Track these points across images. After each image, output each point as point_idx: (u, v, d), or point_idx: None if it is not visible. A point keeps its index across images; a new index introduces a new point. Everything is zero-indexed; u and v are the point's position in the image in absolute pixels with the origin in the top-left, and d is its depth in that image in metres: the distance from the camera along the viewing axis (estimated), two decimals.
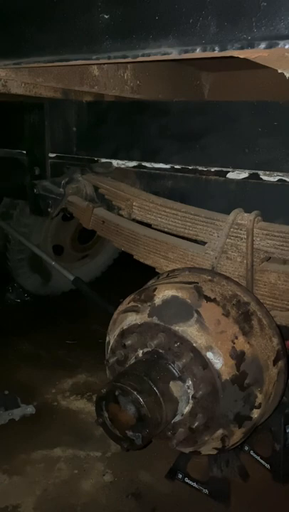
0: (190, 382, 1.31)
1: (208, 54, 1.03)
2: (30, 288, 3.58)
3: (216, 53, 1.02)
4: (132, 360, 1.42)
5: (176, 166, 1.90)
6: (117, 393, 1.27)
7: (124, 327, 1.45)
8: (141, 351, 1.41)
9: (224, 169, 1.75)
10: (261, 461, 1.88)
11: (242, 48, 0.98)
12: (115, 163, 2.12)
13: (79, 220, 2.21)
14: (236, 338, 1.35)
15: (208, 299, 1.40)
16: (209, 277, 1.54)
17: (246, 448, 1.90)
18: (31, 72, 1.69)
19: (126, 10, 1.14)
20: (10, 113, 2.47)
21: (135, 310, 1.45)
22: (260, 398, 1.36)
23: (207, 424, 1.32)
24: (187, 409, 1.33)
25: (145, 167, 2.00)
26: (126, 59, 1.18)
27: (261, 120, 1.62)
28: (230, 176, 1.74)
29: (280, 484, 1.84)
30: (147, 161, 1.99)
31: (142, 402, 1.21)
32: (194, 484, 1.79)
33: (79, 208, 2.16)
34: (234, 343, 1.33)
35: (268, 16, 0.92)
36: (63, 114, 2.25)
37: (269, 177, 1.64)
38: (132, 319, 1.44)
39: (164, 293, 1.44)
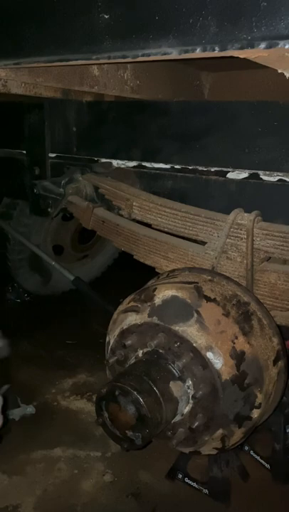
0: (190, 382, 1.31)
1: (208, 54, 1.03)
2: (30, 288, 3.58)
3: (216, 53, 1.02)
4: (132, 360, 1.42)
5: (176, 166, 1.90)
6: (117, 393, 1.27)
7: (124, 327, 1.45)
8: (141, 351, 1.41)
9: (224, 169, 1.75)
10: (261, 461, 1.88)
11: (242, 48, 0.98)
12: (115, 163, 2.12)
13: (79, 220, 2.21)
14: (236, 338, 1.35)
15: (208, 299, 1.40)
16: (209, 277, 1.54)
17: (246, 448, 1.90)
18: (31, 72, 1.70)
19: (126, 10, 1.14)
20: (10, 113, 2.47)
21: (135, 310, 1.45)
22: (260, 398, 1.36)
23: (207, 424, 1.32)
24: (187, 409, 1.33)
25: (145, 167, 2.00)
26: (126, 59, 1.18)
27: (261, 120, 1.63)
28: (230, 175, 1.74)
29: (280, 484, 1.84)
30: (147, 161, 1.99)
31: (142, 402, 1.22)
32: (194, 484, 1.79)
33: (79, 208, 2.16)
34: (234, 343, 1.33)
35: (268, 16, 0.92)
36: (63, 114, 2.25)
37: (269, 177, 1.64)
38: (132, 319, 1.44)
39: (164, 293, 1.44)
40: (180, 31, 1.05)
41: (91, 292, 2.75)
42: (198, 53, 1.04)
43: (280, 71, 1.15)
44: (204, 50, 1.03)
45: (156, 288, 1.48)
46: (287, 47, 0.92)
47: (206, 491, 1.76)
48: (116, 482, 1.98)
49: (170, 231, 1.84)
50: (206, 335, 1.31)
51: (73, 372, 2.75)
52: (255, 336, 1.40)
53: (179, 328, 1.33)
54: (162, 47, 1.09)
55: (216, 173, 1.77)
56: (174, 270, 1.68)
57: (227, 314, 1.38)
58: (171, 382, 1.30)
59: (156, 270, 1.90)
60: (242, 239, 1.61)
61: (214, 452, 1.44)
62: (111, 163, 2.13)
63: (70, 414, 2.41)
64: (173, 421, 1.35)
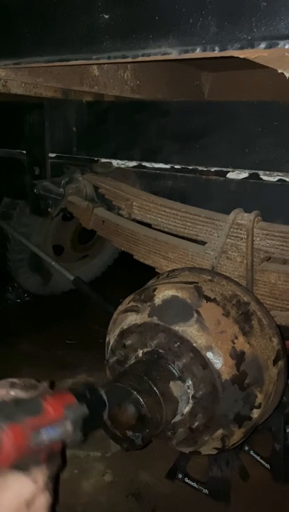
0: (190, 382, 1.31)
1: (208, 54, 1.03)
2: (30, 288, 3.58)
3: (216, 53, 1.02)
4: (132, 360, 1.42)
5: (176, 166, 1.90)
6: None
7: (124, 327, 1.45)
8: (141, 351, 1.41)
9: (224, 169, 1.75)
10: (261, 461, 1.88)
11: (242, 48, 0.98)
12: (115, 163, 2.12)
13: (79, 220, 2.21)
14: (236, 338, 1.35)
15: (208, 299, 1.40)
16: (209, 277, 1.54)
17: (246, 448, 1.90)
18: (31, 72, 1.70)
19: (126, 10, 1.14)
20: (10, 113, 2.47)
21: (135, 310, 1.45)
22: (260, 398, 1.36)
23: (207, 424, 1.32)
24: (187, 409, 1.33)
25: (145, 167, 2.00)
26: (126, 59, 1.18)
27: (261, 120, 1.63)
28: (230, 175, 1.74)
29: (280, 484, 1.84)
30: (147, 161, 1.99)
31: (142, 402, 1.21)
32: (194, 484, 1.79)
33: (79, 208, 2.16)
34: (234, 343, 1.33)
35: (268, 16, 0.92)
36: (63, 114, 2.25)
37: (269, 177, 1.64)
38: (132, 319, 1.44)
39: (164, 293, 1.44)
40: (180, 31, 1.05)
41: (91, 292, 2.75)
42: (198, 53, 1.04)
43: (280, 71, 1.15)
44: (204, 50, 1.03)
45: (156, 288, 1.48)
46: (287, 47, 0.92)
47: (206, 491, 1.76)
48: (116, 482, 1.98)
49: (170, 231, 1.84)
50: (206, 335, 1.31)
51: (73, 372, 2.75)
52: (255, 335, 1.40)
53: (179, 328, 1.33)
54: (162, 47, 1.10)
55: (216, 173, 1.77)
56: (174, 270, 1.67)
57: (227, 314, 1.38)
58: (171, 382, 1.30)
59: (156, 270, 1.90)
60: (242, 239, 1.62)
61: (214, 452, 1.43)
62: (111, 163, 2.14)
63: None
64: (173, 421, 1.34)
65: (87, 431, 0.92)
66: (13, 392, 0.96)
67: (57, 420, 0.85)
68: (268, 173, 1.64)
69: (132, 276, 2.44)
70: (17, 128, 2.41)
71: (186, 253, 1.79)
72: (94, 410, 0.94)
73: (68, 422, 0.86)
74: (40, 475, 0.79)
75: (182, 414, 1.34)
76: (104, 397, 1.00)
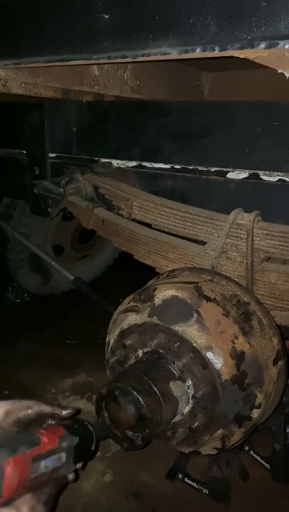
0: (190, 382, 1.31)
1: (208, 54, 1.03)
2: (30, 288, 3.58)
3: (216, 53, 1.02)
4: (132, 360, 1.42)
5: (176, 166, 1.90)
6: (117, 393, 1.26)
7: (124, 327, 1.45)
8: (141, 351, 1.41)
9: (224, 169, 1.75)
10: (261, 461, 1.88)
11: (242, 48, 0.98)
12: (115, 163, 2.12)
13: (79, 220, 2.21)
14: (236, 338, 1.35)
15: (208, 299, 1.40)
16: (209, 277, 1.54)
17: (246, 448, 1.90)
18: (31, 72, 1.70)
19: (126, 10, 1.14)
20: (10, 113, 2.47)
21: (135, 310, 1.45)
22: (260, 398, 1.36)
23: (207, 424, 1.32)
24: (187, 409, 1.33)
25: (145, 167, 2.00)
26: (126, 59, 1.18)
27: (261, 120, 1.63)
28: (230, 176, 1.74)
29: (280, 484, 1.84)
30: (147, 161, 1.99)
31: (142, 402, 1.21)
32: (194, 484, 1.79)
33: (79, 208, 2.17)
34: (234, 343, 1.33)
35: (268, 16, 0.92)
36: (63, 114, 2.25)
37: (269, 177, 1.64)
38: (132, 319, 1.44)
39: (164, 293, 1.44)
40: (180, 31, 1.05)
41: (91, 292, 2.75)
42: (198, 53, 1.04)
43: (280, 71, 1.16)
44: (204, 50, 1.03)
45: (156, 288, 1.48)
46: (287, 47, 0.92)
47: (206, 491, 1.76)
48: (116, 482, 1.98)
49: (170, 231, 1.84)
50: (206, 335, 1.31)
51: (73, 372, 2.75)
52: (255, 335, 1.40)
53: (179, 328, 1.33)
54: (162, 47, 1.10)
55: (216, 173, 1.77)
56: (174, 270, 1.67)
57: (227, 314, 1.38)
58: (171, 382, 1.30)
59: (156, 270, 1.90)
60: (242, 239, 1.62)
61: (214, 452, 1.44)
62: (111, 163, 2.14)
63: None
64: (173, 421, 1.34)
65: (79, 460, 1.00)
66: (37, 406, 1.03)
67: (53, 450, 0.91)
68: (268, 173, 1.64)
69: (132, 276, 2.44)
70: (17, 128, 2.41)
71: (186, 253, 1.79)
72: (84, 441, 1.03)
73: (63, 452, 0.94)
74: (24, 505, 0.82)
75: (182, 414, 1.34)
76: (92, 431, 1.09)
